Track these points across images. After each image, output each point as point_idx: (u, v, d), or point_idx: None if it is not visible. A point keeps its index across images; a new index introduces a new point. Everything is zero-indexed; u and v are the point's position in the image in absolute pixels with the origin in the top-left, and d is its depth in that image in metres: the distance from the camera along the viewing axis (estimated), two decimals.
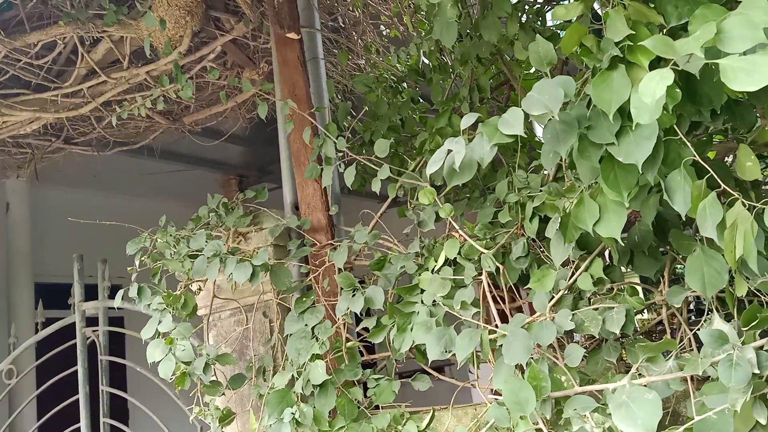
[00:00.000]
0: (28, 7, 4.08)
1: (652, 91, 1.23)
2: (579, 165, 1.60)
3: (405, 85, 3.28)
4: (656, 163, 1.45)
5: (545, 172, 2.28)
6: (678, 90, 1.47)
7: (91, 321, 3.84)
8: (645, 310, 2.37)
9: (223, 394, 2.69)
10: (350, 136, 3.02)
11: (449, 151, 1.51)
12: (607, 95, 1.44)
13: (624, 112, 1.47)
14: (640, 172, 1.44)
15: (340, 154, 2.86)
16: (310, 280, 2.80)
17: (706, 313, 1.70)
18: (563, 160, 1.88)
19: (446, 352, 1.92)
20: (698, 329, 1.67)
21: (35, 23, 4.21)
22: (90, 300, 3.76)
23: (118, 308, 3.09)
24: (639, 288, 2.07)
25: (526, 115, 1.44)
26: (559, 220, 1.71)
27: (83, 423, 3.78)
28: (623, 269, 2.01)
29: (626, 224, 1.98)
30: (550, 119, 1.51)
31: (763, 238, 1.48)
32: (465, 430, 1.81)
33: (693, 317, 1.95)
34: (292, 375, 2.29)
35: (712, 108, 1.63)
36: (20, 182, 7.03)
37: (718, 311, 1.78)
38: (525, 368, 1.72)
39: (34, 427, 3.94)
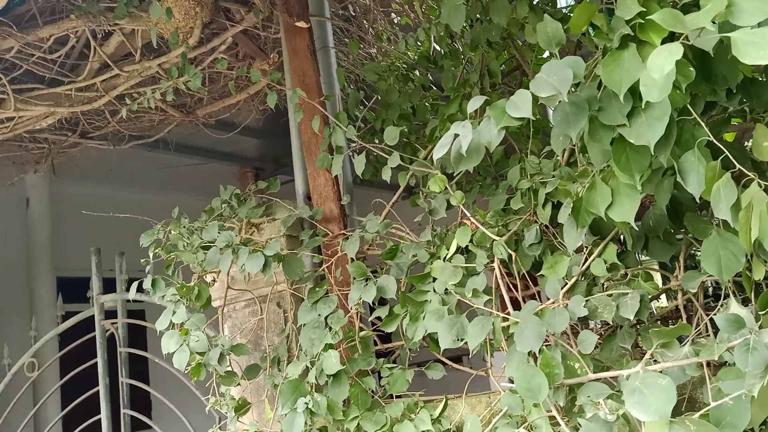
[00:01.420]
0: (41, 2, 4.10)
1: (660, 66, 1.19)
2: (590, 148, 1.57)
3: (417, 72, 3.25)
4: (669, 145, 1.42)
5: (558, 158, 2.25)
6: (691, 69, 1.43)
7: (112, 314, 3.87)
8: (664, 297, 2.33)
9: (239, 384, 2.70)
10: (362, 125, 3.00)
11: (456, 135, 1.49)
12: (617, 75, 1.41)
13: (635, 93, 1.43)
14: (653, 154, 1.41)
15: (352, 143, 2.84)
16: (323, 270, 2.79)
17: (722, 298, 1.67)
18: (575, 144, 1.85)
19: (458, 340, 1.91)
20: (714, 314, 1.64)
21: (48, 18, 4.23)
22: (109, 293, 3.80)
23: (137, 301, 3.12)
24: (657, 274, 2.04)
25: (535, 98, 1.41)
26: (571, 205, 1.68)
27: (103, 414, 3.82)
28: (640, 255, 1.97)
29: (640, 209, 1.95)
30: (559, 101, 1.48)
31: None
32: (477, 418, 1.79)
33: (712, 303, 1.91)
34: (306, 365, 2.29)
35: (727, 87, 1.59)
36: (39, 177, 7.11)
37: (735, 295, 1.74)
38: (538, 355, 1.70)
39: (57, 418, 3.99)
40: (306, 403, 2.12)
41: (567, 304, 1.77)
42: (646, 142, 1.41)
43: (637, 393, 1.33)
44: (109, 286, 3.83)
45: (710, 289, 2.20)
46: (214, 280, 3.12)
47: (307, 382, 2.24)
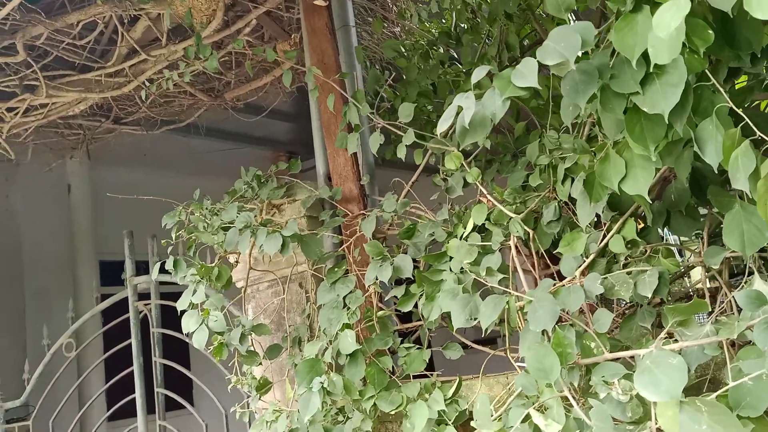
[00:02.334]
0: None
1: (666, 24, 1.12)
2: (603, 118, 1.50)
3: (440, 49, 3.18)
4: (684, 113, 1.34)
5: (577, 132, 2.17)
6: (710, 32, 1.35)
7: (147, 296, 3.93)
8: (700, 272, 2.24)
9: (260, 363, 2.71)
10: (384, 104, 2.96)
11: (460, 108, 1.44)
12: (630, 40, 1.34)
13: (649, 59, 1.36)
14: (667, 123, 1.34)
15: (370, 122, 2.80)
16: (343, 250, 2.78)
17: (746, 274, 1.59)
18: (593, 116, 1.78)
19: (472, 319, 1.87)
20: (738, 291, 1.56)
21: (77, 5, 4.28)
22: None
23: (172, 283, 3.14)
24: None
25: (541, 66, 1.35)
26: (584, 178, 1.62)
27: (138, 392, 3.91)
28: (663, 231, 1.90)
29: (663, 182, 1.87)
30: (569, 70, 1.42)
31: None
32: (486, 399, 1.76)
33: (740, 280, 1.82)
34: (323, 344, 2.28)
35: (752, 52, 1.50)
36: (80, 164, 7.30)
37: (761, 272, 1.66)
38: (551, 335, 1.65)
39: (97, 393, 4.09)
40: (321, 382, 2.11)
41: (582, 282, 1.71)
42: (661, 111, 1.33)
43: (647, 373, 1.27)
44: (145, 268, 3.89)
45: (741, 266, 2.10)
46: (236, 261, 3.15)
47: (323, 362, 2.23)
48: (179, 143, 6.68)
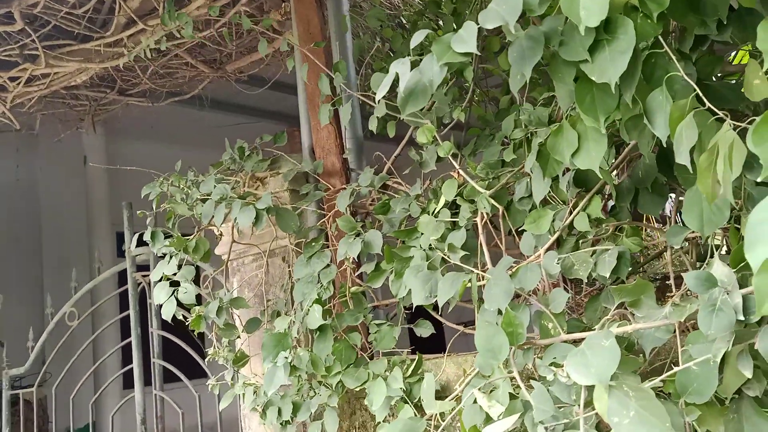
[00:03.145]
0: None
1: None
2: (557, 88, 1.42)
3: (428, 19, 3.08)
4: (633, 81, 1.26)
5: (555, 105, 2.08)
6: None
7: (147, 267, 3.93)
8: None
9: (238, 337, 2.71)
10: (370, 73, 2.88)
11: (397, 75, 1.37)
12: (577, 3, 1.25)
13: (601, 25, 1.28)
14: (614, 92, 1.26)
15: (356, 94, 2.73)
16: (323, 224, 2.74)
17: (708, 255, 1.51)
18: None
19: (431, 296, 1.82)
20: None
21: None
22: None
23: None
24: None
25: (481, 30, 1.27)
26: (537, 151, 1.54)
27: (135, 363, 3.94)
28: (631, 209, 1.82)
29: (631, 159, 1.79)
30: (518, 37, 1.34)
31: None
32: (432, 377, 1.71)
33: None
34: (292, 319, 2.26)
35: (718, 18, 1.40)
36: (96, 136, 7.35)
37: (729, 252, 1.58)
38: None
39: (94, 365, 4.14)
40: (286, 357, 2.09)
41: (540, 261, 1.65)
42: (608, 79, 1.25)
43: (579, 355, 1.21)
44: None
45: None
46: (221, 234, 3.13)
47: (292, 337, 2.21)
48: (193, 117, 6.70)
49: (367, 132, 3.09)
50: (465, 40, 1.28)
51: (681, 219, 1.72)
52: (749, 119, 1.11)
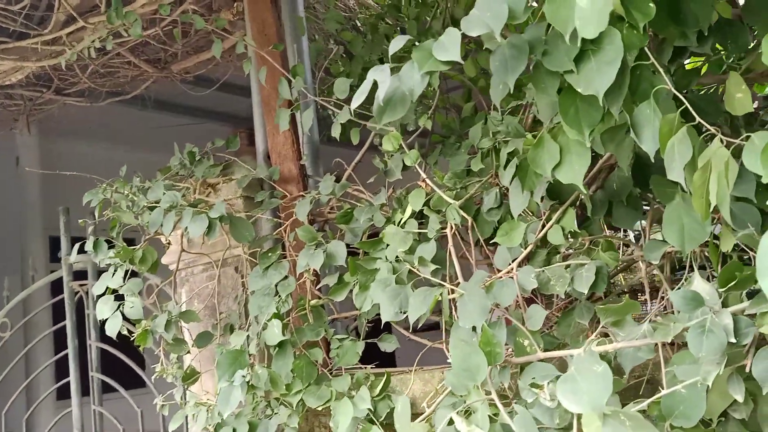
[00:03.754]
0: None
1: None
2: (538, 99, 1.37)
3: (389, 23, 3.01)
4: (621, 94, 1.21)
5: (523, 114, 2.04)
6: (651, 4, 1.22)
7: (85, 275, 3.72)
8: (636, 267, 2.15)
9: (188, 352, 2.56)
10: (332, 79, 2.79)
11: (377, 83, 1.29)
12: (564, 12, 1.19)
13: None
14: (601, 104, 1.21)
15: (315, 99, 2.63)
16: (279, 233, 2.63)
17: (687, 271, 1.49)
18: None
19: (401, 312, 1.74)
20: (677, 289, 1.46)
21: None
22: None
23: None
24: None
25: (465, 37, 1.20)
26: (517, 164, 1.49)
27: (72, 376, 3.74)
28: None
29: (609, 170, 1.76)
30: (500, 45, 1.28)
31: (753, 181, 1.25)
32: (407, 401, 1.63)
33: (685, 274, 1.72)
34: (249, 335, 2.14)
35: (699, 30, 1.38)
36: (29, 136, 6.97)
37: (705, 269, 1.56)
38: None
39: (25, 382, 3.90)
40: (244, 376, 1.97)
41: (516, 276, 1.59)
42: (595, 91, 1.20)
43: (570, 381, 1.16)
44: None
45: (685, 258, 2.02)
46: (169, 243, 2.97)
47: (248, 353, 2.09)
48: (135, 117, 6.43)
49: (324, 137, 3.00)
50: (447, 48, 1.20)
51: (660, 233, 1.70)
52: (744, 136, 1.07)
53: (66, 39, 4.38)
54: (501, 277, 1.64)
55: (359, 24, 3.91)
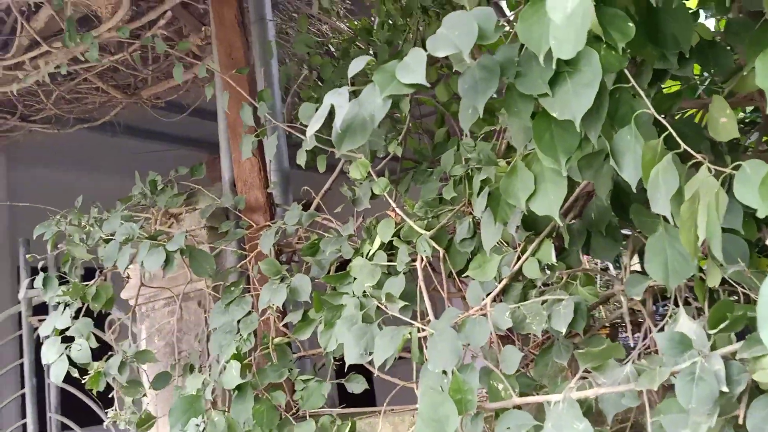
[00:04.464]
0: None
1: (562, 4, 0.89)
2: (510, 124, 1.27)
3: (359, 47, 2.93)
4: (599, 119, 1.12)
5: (497, 140, 1.95)
6: (630, 24, 1.14)
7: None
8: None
9: (145, 395, 2.39)
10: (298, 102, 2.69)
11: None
12: (537, 30, 1.10)
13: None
14: (578, 130, 1.11)
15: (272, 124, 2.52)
16: (242, 266, 2.49)
17: (671, 306, 1.38)
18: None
19: (366, 354, 1.61)
20: (659, 329, 1.36)
21: None
22: None
23: None
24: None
25: (431, 58, 1.10)
26: (488, 193, 1.38)
27: (29, 418, 3.55)
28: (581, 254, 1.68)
29: (585, 199, 1.66)
30: (469, 67, 1.18)
31: (740, 212, 1.15)
32: None
33: (665, 307, 1.62)
34: (206, 378, 1.99)
35: (679, 51, 1.30)
36: None
37: (689, 304, 1.46)
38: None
39: None
40: (198, 424, 1.81)
41: (489, 313, 1.48)
42: (571, 116, 1.11)
43: None
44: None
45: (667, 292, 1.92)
46: (128, 276, 2.81)
47: (206, 399, 1.94)
48: (107, 144, 6.27)
49: (295, 163, 2.88)
50: (412, 69, 1.10)
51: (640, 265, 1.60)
52: (734, 165, 0.98)
53: (29, 63, 4.24)
54: (473, 315, 1.52)
55: (332, 49, 3.84)
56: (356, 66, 1.17)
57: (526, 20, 1.13)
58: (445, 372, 1.46)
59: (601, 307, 2.18)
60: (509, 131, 1.51)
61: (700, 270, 1.37)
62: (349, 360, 1.61)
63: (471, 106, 1.18)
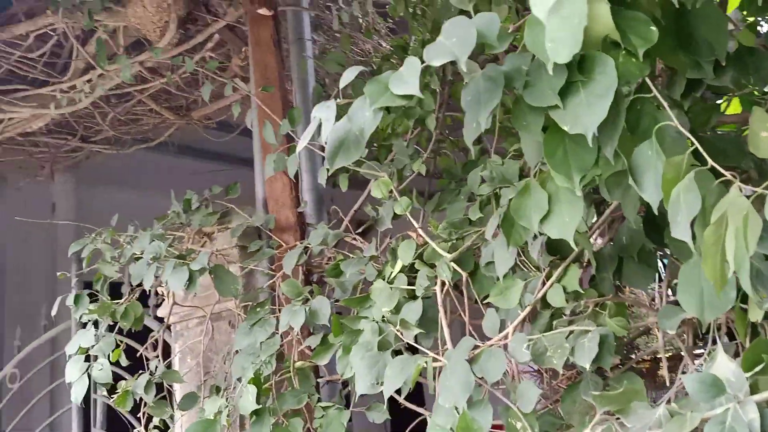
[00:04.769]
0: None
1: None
2: (522, 139, 1.17)
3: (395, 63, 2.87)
4: (616, 132, 1.01)
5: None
6: (653, 28, 1.02)
7: None
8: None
9: (171, 416, 2.37)
10: None
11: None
12: (543, 37, 1.00)
13: (574, 63, 1.03)
14: (590, 144, 1.00)
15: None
16: (270, 287, 2.44)
17: (710, 343, 1.24)
18: None
19: (378, 383, 1.52)
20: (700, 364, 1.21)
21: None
22: None
23: None
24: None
25: (427, 67, 1.02)
26: (501, 215, 1.28)
27: None
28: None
29: (617, 222, 1.53)
30: (473, 77, 1.09)
31: None
32: None
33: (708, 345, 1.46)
34: (223, 402, 1.93)
35: (714, 59, 1.17)
36: (65, 183, 7.07)
37: (730, 338, 1.31)
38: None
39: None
40: None
41: (506, 345, 1.36)
42: (583, 129, 1.00)
43: None
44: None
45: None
46: (164, 294, 2.82)
47: (221, 424, 1.88)
48: (169, 164, 6.45)
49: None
50: (405, 80, 1.02)
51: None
52: (766, 183, 0.85)
53: (85, 86, 4.39)
54: (491, 345, 1.41)
55: (374, 67, 3.80)
56: (348, 77, 1.09)
57: (533, 27, 1.04)
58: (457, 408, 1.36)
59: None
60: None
61: (744, 301, 1.22)
62: (360, 390, 1.52)
63: (475, 120, 1.08)
